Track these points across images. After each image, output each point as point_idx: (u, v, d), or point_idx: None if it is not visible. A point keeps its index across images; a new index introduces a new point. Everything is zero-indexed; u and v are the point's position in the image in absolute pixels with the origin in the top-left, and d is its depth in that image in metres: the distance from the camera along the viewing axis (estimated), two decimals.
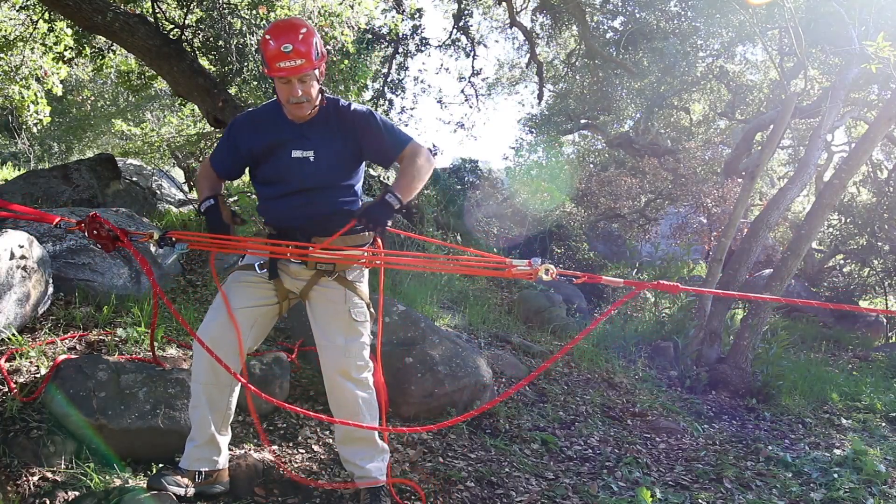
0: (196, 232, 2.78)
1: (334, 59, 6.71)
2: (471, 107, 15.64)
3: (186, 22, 6.44)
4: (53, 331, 3.49)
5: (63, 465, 2.56)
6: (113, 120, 12.02)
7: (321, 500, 2.72)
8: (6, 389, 2.84)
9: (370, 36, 10.52)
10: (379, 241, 2.65)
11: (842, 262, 12.66)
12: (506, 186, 11.76)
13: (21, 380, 2.95)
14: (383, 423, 2.85)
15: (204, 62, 6.89)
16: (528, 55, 12.92)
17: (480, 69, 15.80)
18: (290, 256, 2.46)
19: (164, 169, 12.56)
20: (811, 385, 6.00)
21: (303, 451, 3.11)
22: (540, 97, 13.25)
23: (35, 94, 7.59)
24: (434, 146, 11.58)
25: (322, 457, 3.08)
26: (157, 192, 7.89)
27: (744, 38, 9.85)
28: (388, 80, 13.05)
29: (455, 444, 3.54)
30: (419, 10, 12.17)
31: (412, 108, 26.16)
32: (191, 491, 2.47)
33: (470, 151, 48.52)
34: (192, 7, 6.42)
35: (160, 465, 2.65)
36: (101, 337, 3.49)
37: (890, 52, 4.84)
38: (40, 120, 7.76)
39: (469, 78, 14.18)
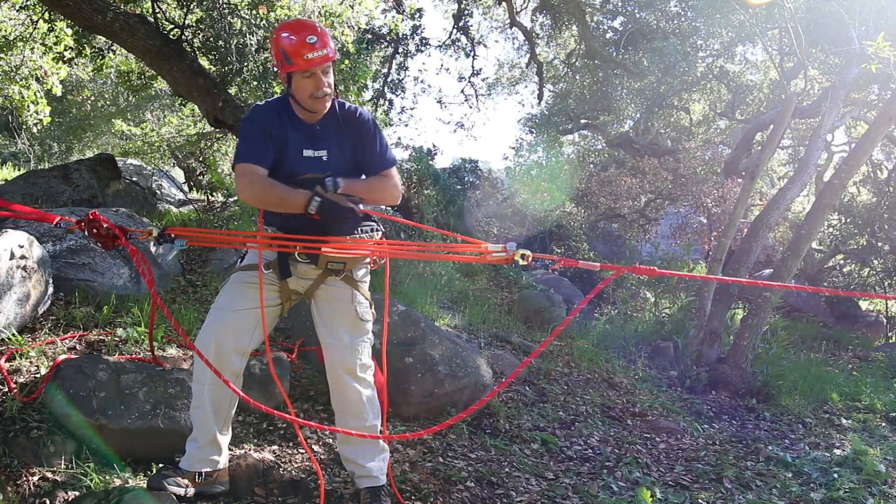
0: (194, 229, 2.78)
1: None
2: (471, 107, 15.68)
3: (186, 22, 6.45)
4: (53, 331, 3.49)
5: (63, 465, 2.56)
6: (113, 120, 12.02)
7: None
8: (6, 389, 2.84)
9: (370, 36, 10.54)
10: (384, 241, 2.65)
11: (842, 262, 12.66)
12: (506, 186, 11.76)
13: (21, 380, 2.95)
14: (384, 424, 2.85)
15: (204, 62, 6.89)
16: (528, 55, 12.92)
17: (480, 69, 15.85)
18: (299, 252, 2.45)
19: (164, 169, 12.58)
20: (811, 385, 6.00)
21: (303, 450, 3.11)
22: (540, 97, 13.25)
23: (35, 94, 7.59)
24: (434, 146, 11.58)
25: (322, 457, 3.09)
26: (157, 192, 7.90)
27: (744, 38, 9.85)
28: (388, 80, 13.07)
29: (455, 444, 3.54)
30: (419, 10, 12.18)
31: (412, 108, 26.17)
32: (191, 491, 2.47)
33: (470, 151, 48.54)
34: (192, 7, 6.42)
35: (160, 465, 2.65)
36: (101, 337, 3.49)
37: (890, 52, 4.84)
38: (40, 120, 7.76)
39: (469, 78, 14.21)
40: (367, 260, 2.60)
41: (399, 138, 18.29)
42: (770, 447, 4.29)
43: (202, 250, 5.56)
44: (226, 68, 6.53)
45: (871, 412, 5.68)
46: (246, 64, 6.47)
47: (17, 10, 7.28)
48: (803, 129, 11.63)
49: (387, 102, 13.36)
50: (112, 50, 7.51)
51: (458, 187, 10.34)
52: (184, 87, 6.42)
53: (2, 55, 7.28)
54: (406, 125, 14.59)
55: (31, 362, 3.10)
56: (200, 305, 4.40)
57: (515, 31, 12.71)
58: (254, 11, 6.21)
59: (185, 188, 11.54)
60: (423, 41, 12.86)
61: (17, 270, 3.27)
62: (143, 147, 11.18)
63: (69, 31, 7.14)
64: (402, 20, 11.29)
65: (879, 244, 10.89)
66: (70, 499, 2.38)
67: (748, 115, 11.80)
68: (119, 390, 2.80)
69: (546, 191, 10.67)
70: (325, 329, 2.57)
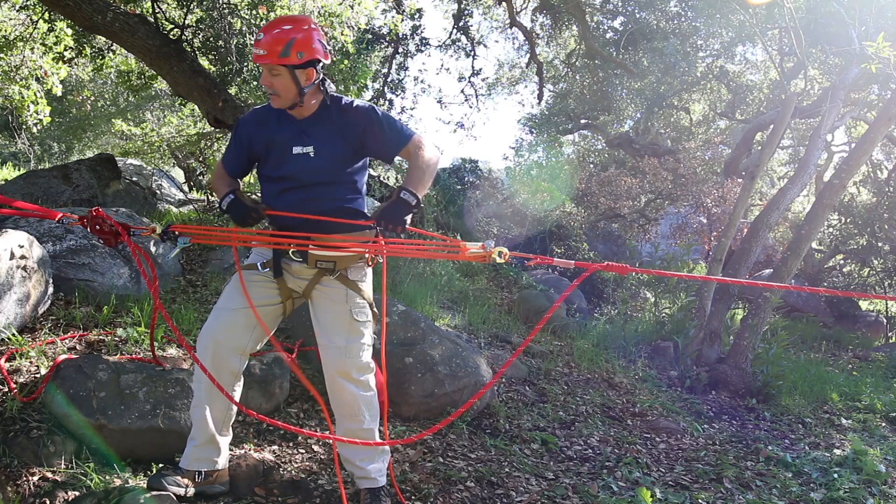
0: (197, 226, 2.80)
1: (334, 59, 6.71)
2: (471, 107, 15.65)
3: (186, 22, 6.45)
4: (53, 331, 3.49)
5: (63, 465, 2.56)
6: (113, 120, 12.03)
7: (321, 500, 2.72)
8: (6, 389, 2.84)
9: (370, 36, 10.54)
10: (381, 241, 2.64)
11: (842, 262, 12.66)
12: (506, 186, 11.76)
13: (21, 380, 2.95)
14: (385, 424, 2.85)
15: (204, 62, 6.89)
16: (528, 55, 12.92)
17: (480, 69, 15.82)
18: (291, 249, 2.47)
19: (164, 169, 12.58)
20: (811, 385, 6.00)
21: (303, 451, 3.11)
22: (540, 97, 13.25)
23: (35, 94, 7.59)
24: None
25: (322, 457, 3.09)
26: (157, 192, 7.90)
27: (744, 38, 9.85)
28: (388, 80, 13.07)
29: (455, 444, 3.54)
30: (419, 10, 12.18)
31: (412, 109, 26.20)
32: (191, 491, 2.47)
33: (470, 151, 48.61)
34: (192, 7, 6.42)
35: (160, 465, 2.65)
36: (101, 337, 3.49)
37: (890, 52, 4.84)
38: (40, 120, 7.76)
39: (469, 78, 14.20)
40: (362, 260, 2.59)
41: None
42: (770, 447, 4.29)
43: (202, 250, 5.56)
44: (226, 68, 6.53)
45: (871, 412, 5.68)
46: (246, 64, 6.48)
47: (17, 10, 7.28)
48: (803, 129, 11.64)
49: (387, 102, 13.36)
50: (112, 50, 7.51)
51: (458, 187, 10.35)
52: (184, 87, 6.42)
53: (2, 55, 7.28)
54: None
55: (31, 362, 3.10)
56: (200, 305, 4.40)
57: (515, 31, 12.71)
58: (254, 11, 6.21)
59: (185, 188, 11.54)
60: (423, 41, 12.87)
61: (17, 270, 3.27)
62: (143, 147, 11.18)
63: (69, 31, 7.14)
64: (402, 20, 11.29)
65: (879, 244, 10.89)
66: (70, 499, 2.38)
67: (748, 115, 11.80)
68: (119, 390, 2.80)
69: (546, 191, 10.67)
70: (320, 330, 2.57)
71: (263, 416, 2.30)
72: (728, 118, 12.72)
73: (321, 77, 2.51)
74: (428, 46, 12.97)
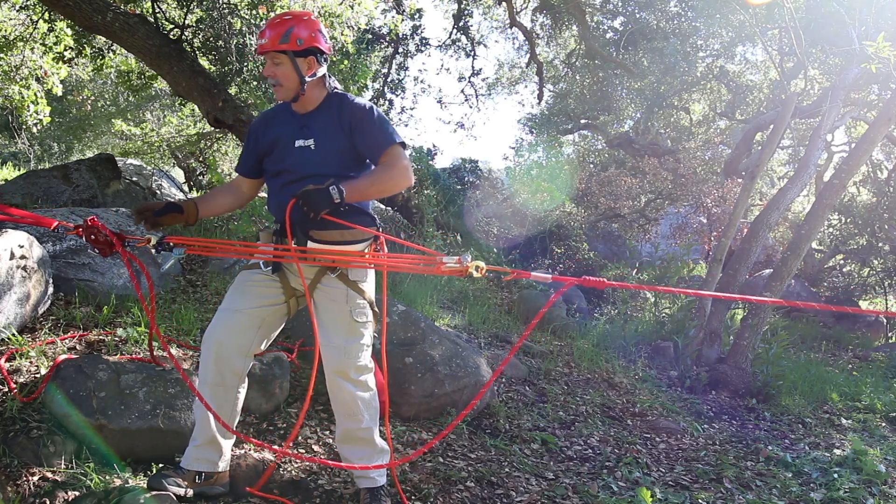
0: (194, 237, 2.79)
1: (334, 59, 6.72)
2: (471, 107, 15.69)
3: (186, 22, 6.45)
4: (53, 331, 3.48)
5: (63, 465, 2.56)
6: (113, 120, 12.03)
7: (321, 500, 2.72)
8: (6, 389, 2.84)
9: (370, 36, 10.55)
10: (383, 241, 2.64)
11: (842, 262, 12.65)
12: (506, 186, 11.75)
13: (21, 380, 2.95)
14: (386, 424, 2.85)
15: (204, 62, 6.89)
16: (528, 55, 12.93)
17: (480, 69, 15.86)
18: (291, 256, 2.47)
19: (164, 169, 12.59)
20: (811, 385, 6.00)
21: (303, 450, 3.11)
22: (540, 97, 13.26)
23: (35, 94, 7.60)
24: (434, 146, 11.58)
25: (322, 457, 3.08)
26: (157, 192, 7.88)
27: (744, 38, 9.86)
28: (388, 80, 13.08)
29: (455, 444, 3.54)
30: (419, 11, 12.20)
31: (412, 108, 26.21)
32: (190, 491, 2.47)
33: (470, 151, 48.54)
34: (192, 7, 6.43)
35: (160, 465, 2.65)
36: (101, 337, 3.49)
37: (890, 52, 4.84)
38: (40, 120, 7.76)
39: (469, 78, 14.22)
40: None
41: None
42: (770, 447, 4.29)
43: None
44: (226, 68, 6.54)
45: (871, 412, 5.68)
46: (246, 64, 6.48)
47: (17, 10, 7.29)
48: (803, 129, 11.64)
49: (387, 102, 13.37)
50: (112, 50, 7.52)
51: (458, 187, 10.34)
52: (184, 87, 6.42)
53: (2, 55, 7.28)
54: (406, 125, 14.59)
55: (31, 362, 3.10)
56: (200, 305, 4.40)
57: (515, 31, 12.72)
58: (254, 11, 6.22)
59: (185, 188, 11.54)
60: (423, 41, 12.88)
61: (17, 270, 3.27)
62: (143, 147, 11.19)
63: (69, 31, 7.15)
64: (402, 20, 11.30)
65: (879, 244, 10.89)
66: (70, 499, 2.38)
67: (748, 115, 11.81)
68: (119, 390, 2.79)
69: (546, 191, 10.65)
70: (320, 330, 2.56)
71: (247, 437, 2.30)
72: (728, 118, 12.72)
73: (324, 71, 2.54)
74: (428, 46, 12.99)
